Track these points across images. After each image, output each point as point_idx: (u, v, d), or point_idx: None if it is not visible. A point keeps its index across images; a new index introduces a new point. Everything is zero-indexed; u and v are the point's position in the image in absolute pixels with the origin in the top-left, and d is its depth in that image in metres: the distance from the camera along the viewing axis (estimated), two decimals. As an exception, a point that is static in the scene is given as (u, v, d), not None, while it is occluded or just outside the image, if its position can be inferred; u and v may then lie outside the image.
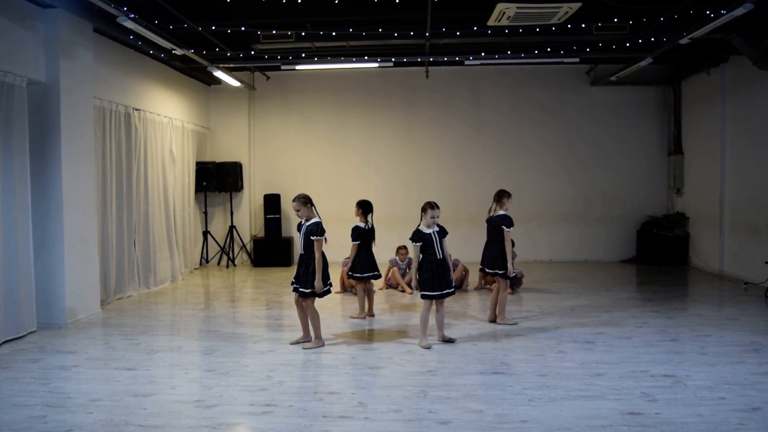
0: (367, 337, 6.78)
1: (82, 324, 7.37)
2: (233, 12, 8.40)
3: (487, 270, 7.30)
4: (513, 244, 7.50)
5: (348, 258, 7.96)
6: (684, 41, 8.29)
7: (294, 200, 6.19)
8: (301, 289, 6.13)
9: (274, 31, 8.93)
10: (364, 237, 7.59)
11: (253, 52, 9.79)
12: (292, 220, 13.02)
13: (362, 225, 7.63)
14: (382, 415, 4.42)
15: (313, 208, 6.24)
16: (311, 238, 6.07)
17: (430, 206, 6.21)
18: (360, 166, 13.02)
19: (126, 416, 4.42)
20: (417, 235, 6.24)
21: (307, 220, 6.21)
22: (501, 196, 7.24)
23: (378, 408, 4.55)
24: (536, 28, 8.63)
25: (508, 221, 7.07)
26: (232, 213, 12.74)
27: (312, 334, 6.30)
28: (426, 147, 12.98)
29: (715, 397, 4.71)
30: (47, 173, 7.23)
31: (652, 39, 9.05)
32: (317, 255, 6.04)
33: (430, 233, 6.21)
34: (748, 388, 4.88)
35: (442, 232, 6.29)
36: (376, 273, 7.65)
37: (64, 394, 4.91)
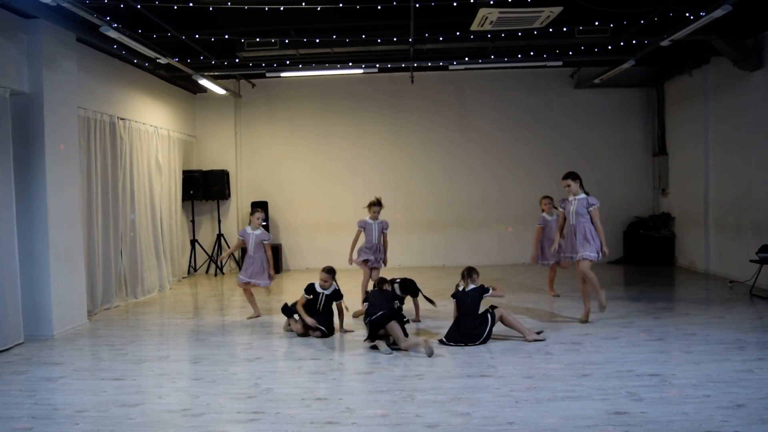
0: (355, 342, 6.78)
1: (70, 335, 7.33)
2: (217, 20, 8.42)
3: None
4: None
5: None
6: (665, 43, 8.39)
7: (324, 271, 7.11)
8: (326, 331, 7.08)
9: (258, 39, 8.94)
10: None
11: (237, 60, 9.79)
12: (280, 227, 13.03)
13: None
14: (369, 420, 4.43)
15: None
16: (335, 301, 7.23)
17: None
18: (346, 172, 13.03)
19: (113, 426, 4.40)
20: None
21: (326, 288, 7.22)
22: (471, 272, 6.81)
23: (365, 413, 4.56)
24: (519, 32, 8.71)
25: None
26: (219, 221, 12.71)
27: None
28: (412, 152, 13.01)
29: (700, 395, 4.75)
30: (31, 184, 7.19)
31: (634, 41, 9.15)
32: (340, 309, 7.28)
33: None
34: (732, 386, 4.93)
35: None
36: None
37: (50, 406, 4.88)
